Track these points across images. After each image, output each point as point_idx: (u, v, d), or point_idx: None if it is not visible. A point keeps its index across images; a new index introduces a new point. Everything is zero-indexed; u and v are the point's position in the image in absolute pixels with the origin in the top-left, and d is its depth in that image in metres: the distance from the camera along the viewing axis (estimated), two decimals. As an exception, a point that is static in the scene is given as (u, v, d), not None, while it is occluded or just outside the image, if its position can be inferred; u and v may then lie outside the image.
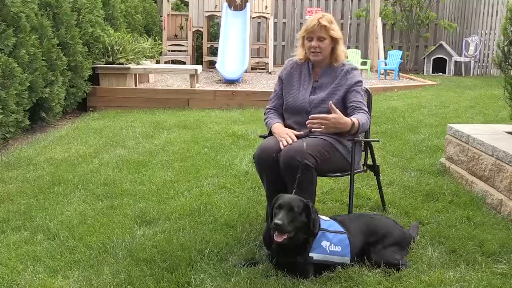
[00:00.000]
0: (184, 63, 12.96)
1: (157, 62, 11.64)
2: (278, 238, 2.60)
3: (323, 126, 2.89)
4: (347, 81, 3.20)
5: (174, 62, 13.15)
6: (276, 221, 2.57)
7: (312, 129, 2.97)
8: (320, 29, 3.16)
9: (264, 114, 3.41)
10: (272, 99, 3.40)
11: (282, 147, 2.96)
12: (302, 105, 3.22)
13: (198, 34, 14.22)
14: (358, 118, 3.03)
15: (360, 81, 3.25)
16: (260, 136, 3.50)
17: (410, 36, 14.80)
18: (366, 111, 3.16)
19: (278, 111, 3.35)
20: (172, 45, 13.30)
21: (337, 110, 2.93)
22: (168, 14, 13.25)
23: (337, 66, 3.25)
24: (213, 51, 13.41)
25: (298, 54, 3.34)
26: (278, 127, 3.19)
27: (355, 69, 3.28)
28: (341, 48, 3.25)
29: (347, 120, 2.96)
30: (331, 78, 3.24)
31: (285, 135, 3.03)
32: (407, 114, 7.11)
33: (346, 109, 3.16)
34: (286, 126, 3.24)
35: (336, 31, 3.21)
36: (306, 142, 2.98)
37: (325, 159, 3.01)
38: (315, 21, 3.17)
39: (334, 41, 3.22)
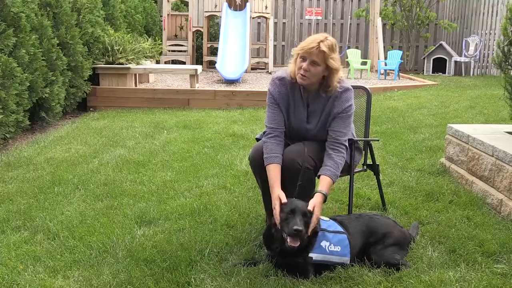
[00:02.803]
0: (184, 63, 12.97)
1: (157, 62, 11.64)
2: (293, 243, 2.60)
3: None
4: (334, 108, 2.98)
5: (174, 62, 13.15)
6: (297, 227, 2.58)
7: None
8: (317, 54, 2.86)
9: (264, 134, 3.07)
10: (271, 117, 3.05)
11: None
12: (298, 133, 3.08)
13: (198, 34, 14.23)
14: (328, 175, 2.87)
15: (349, 106, 3.00)
16: (257, 139, 3.42)
17: (410, 36, 14.80)
18: (341, 144, 2.97)
19: (280, 132, 3.02)
20: (172, 45, 13.30)
21: (314, 211, 2.73)
22: (168, 14, 13.25)
23: (327, 94, 2.99)
24: (213, 51, 13.42)
25: (290, 69, 3.02)
26: (273, 179, 2.87)
27: (346, 91, 3.00)
28: (335, 79, 2.94)
29: (319, 200, 2.78)
30: (322, 104, 3.02)
31: (275, 210, 2.77)
32: (407, 114, 7.11)
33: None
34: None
35: (335, 61, 2.90)
36: (306, 146, 2.98)
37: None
38: (314, 43, 2.86)
39: (329, 70, 2.91)
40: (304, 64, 2.90)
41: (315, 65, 2.89)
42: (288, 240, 2.62)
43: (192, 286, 2.61)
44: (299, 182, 2.85)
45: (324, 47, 2.86)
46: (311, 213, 2.69)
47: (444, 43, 13.83)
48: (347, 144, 3.04)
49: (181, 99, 8.40)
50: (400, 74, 12.50)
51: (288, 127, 3.09)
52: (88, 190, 4.14)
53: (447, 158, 4.57)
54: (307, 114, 3.05)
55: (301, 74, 2.92)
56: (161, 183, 4.31)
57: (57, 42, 6.86)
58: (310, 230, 2.68)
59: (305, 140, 3.07)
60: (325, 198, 2.84)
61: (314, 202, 2.77)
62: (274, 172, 2.90)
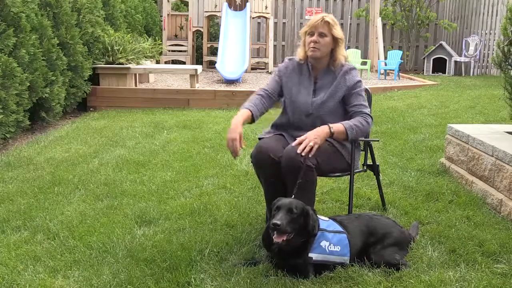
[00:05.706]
0: (184, 63, 12.97)
1: (157, 62, 11.64)
2: (277, 239, 2.60)
3: (311, 144, 2.87)
4: (346, 82, 3.18)
5: (174, 62, 13.15)
6: (275, 221, 2.57)
7: (307, 153, 2.89)
8: (323, 25, 3.16)
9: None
10: (268, 83, 3.33)
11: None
12: (304, 106, 3.18)
13: (198, 34, 14.23)
14: (343, 123, 3.06)
15: (359, 81, 3.23)
16: (259, 138, 3.44)
17: (410, 36, 14.80)
18: (366, 113, 3.16)
19: (266, 94, 3.26)
20: (172, 45, 13.30)
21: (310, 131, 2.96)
22: (168, 14, 13.26)
23: (336, 68, 3.24)
24: (213, 51, 13.42)
25: (299, 53, 3.29)
26: (236, 118, 3.05)
27: (354, 69, 3.26)
28: (341, 52, 3.23)
29: (322, 128, 2.99)
30: (331, 79, 3.21)
31: (230, 142, 2.96)
32: (407, 114, 7.11)
33: (346, 112, 3.19)
34: (285, 124, 3.23)
35: (339, 31, 3.20)
36: None
37: (325, 159, 3.01)
38: (318, 17, 3.18)
39: (335, 41, 3.19)
40: (313, 37, 3.17)
41: (323, 36, 3.17)
42: (273, 237, 2.62)
43: (192, 286, 2.61)
44: (299, 180, 2.85)
45: (328, 19, 3.18)
46: (298, 209, 2.63)
47: (444, 43, 13.83)
48: (371, 115, 3.21)
49: (181, 99, 8.40)
50: (400, 74, 12.51)
51: (291, 107, 3.22)
52: (88, 190, 4.14)
53: (447, 158, 4.57)
54: (315, 89, 3.23)
55: (312, 47, 3.17)
56: (161, 183, 4.31)
57: (57, 42, 6.86)
58: (306, 150, 2.83)
59: (307, 119, 3.16)
60: (330, 132, 2.99)
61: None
62: (244, 113, 3.10)
